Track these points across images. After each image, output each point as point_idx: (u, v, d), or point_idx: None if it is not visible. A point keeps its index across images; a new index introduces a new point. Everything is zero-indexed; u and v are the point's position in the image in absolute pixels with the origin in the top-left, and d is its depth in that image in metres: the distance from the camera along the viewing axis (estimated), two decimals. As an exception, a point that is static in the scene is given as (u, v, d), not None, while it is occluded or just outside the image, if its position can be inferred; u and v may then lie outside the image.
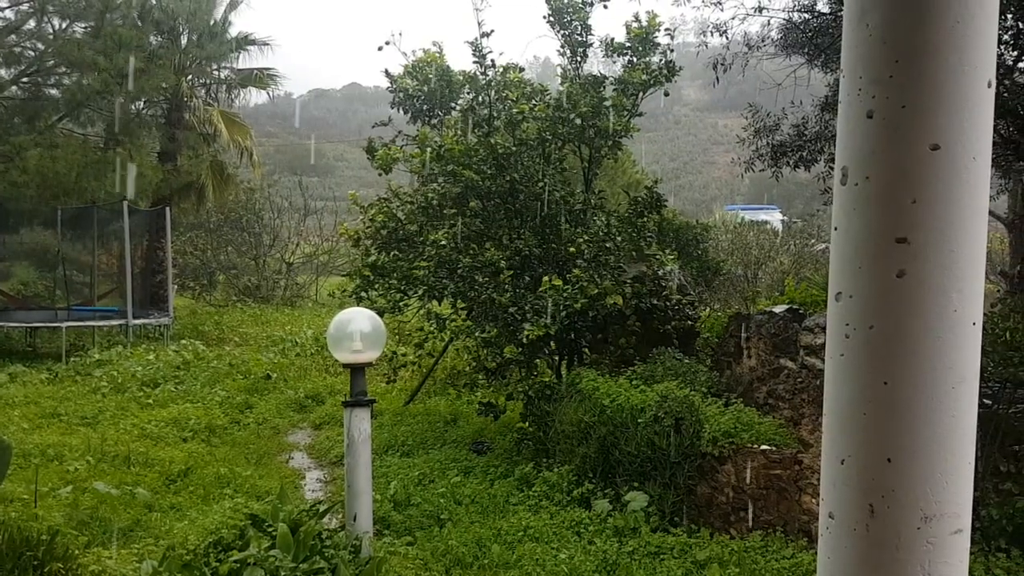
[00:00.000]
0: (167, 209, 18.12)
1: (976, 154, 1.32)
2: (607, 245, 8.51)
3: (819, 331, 6.29)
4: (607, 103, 9.21)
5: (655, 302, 8.84)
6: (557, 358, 9.34)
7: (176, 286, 20.93)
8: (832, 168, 8.63)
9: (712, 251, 18.83)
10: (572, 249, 8.43)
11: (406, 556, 5.77)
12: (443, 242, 8.54)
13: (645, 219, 9.10)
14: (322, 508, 4.17)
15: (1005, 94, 6.40)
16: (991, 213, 13.61)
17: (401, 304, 9.17)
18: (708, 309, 12.48)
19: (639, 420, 6.82)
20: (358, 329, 3.80)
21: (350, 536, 3.98)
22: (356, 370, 3.85)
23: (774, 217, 32.20)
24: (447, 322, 8.45)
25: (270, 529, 3.68)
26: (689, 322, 9.10)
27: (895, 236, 1.33)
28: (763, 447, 6.43)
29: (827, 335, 1.46)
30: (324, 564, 3.55)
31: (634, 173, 25.35)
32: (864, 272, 1.37)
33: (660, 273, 8.94)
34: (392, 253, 9.27)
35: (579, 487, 6.97)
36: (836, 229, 1.42)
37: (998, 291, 14.24)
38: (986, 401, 5.90)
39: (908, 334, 1.33)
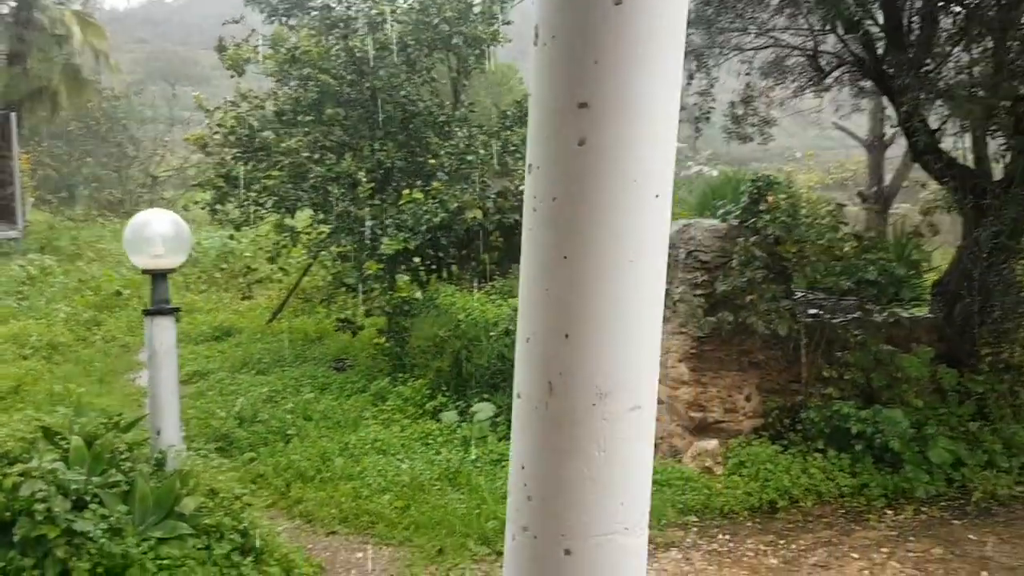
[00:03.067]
0: (13, 114, 16.63)
1: (663, 14, 1.24)
2: (468, 159, 8.35)
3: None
4: (475, 8, 8.92)
5: (518, 218, 8.78)
6: (423, 273, 9.23)
7: (33, 200, 19.48)
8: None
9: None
10: (432, 161, 8.23)
11: (237, 471, 5.68)
12: (297, 150, 8.16)
13: (511, 133, 8.95)
14: (125, 421, 3.96)
15: (855, 7, 6.53)
16: (851, 134, 14.18)
17: (255, 217, 8.79)
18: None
19: (491, 333, 6.85)
20: (159, 232, 3.55)
21: (154, 450, 3.80)
22: (158, 276, 3.61)
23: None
24: (300, 235, 8.15)
25: (63, 442, 3.47)
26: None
27: (577, 101, 1.24)
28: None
29: (523, 210, 1.38)
30: (121, 478, 3.39)
31: (522, 89, 25.00)
32: (550, 140, 1.27)
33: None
34: (251, 163, 8.81)
35: (432, 400, 6.97)
36: (531, 96, 1.32)
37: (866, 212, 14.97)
38: (812, 311, 6.20)
39: (588, 206, 1.25)
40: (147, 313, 3.66)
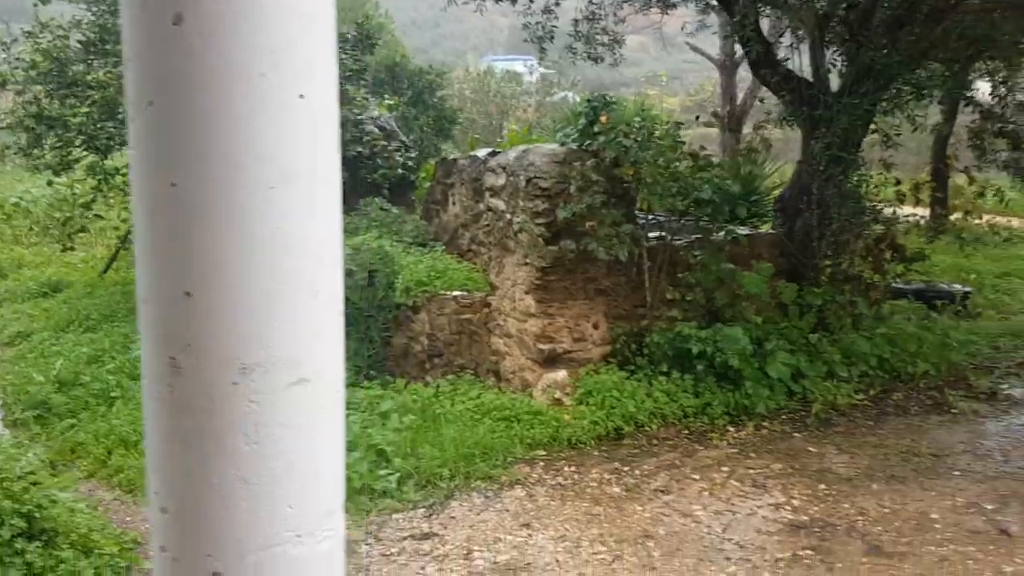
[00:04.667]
0: None
1: None
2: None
3: (500, 171, 6.11)
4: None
5: (360, 150, 8.28)
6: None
7: None
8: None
9: (456, 100, 18.34)
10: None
11: (53, 440, 5.14)
12: (106, 83, 7.30)
13: (346, 56, 8.35)
14: None
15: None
16: (703, 54, 14.20)
17: (69, 160, 7.91)
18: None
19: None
20: None
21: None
22: None
23: (531, 66, 32.05)
24: (115, 178, 7.38)
25: None
26: (401, 171, 8.68)
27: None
28: (455, 293, 6.31)
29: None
30: None
31: (376, 17, 23.81)
32: (139, 18, 0.91)
33: (362, 118, 8.34)
34: (65, 100, 7.85)
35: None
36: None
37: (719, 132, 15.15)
38: (655, 234, 6.10)
39: (196, 110, 0.90)
40: None
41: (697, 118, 14.58)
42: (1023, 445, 5.05)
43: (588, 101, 5.69)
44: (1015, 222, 13.10)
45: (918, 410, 5.62)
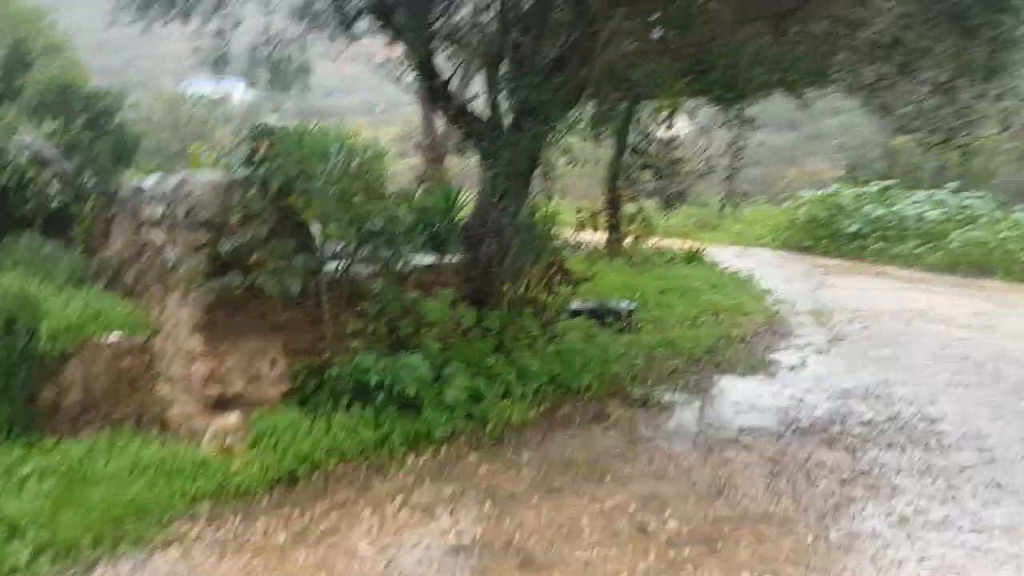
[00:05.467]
0: None
1: None
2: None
3: (159, 201, 5.68)
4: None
5: (4, 182, 7.28)
6: None
7: None
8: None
9: (144, 124, 16.94)
10: None
11: None
12: None
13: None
14: None
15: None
16: (402, 84, 14.40)
17: None
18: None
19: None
20: None
21: None
22: None
23: (239, 90, 30.57)
24: None
25: None
26: (58, 203, 7.75)
27: None
28: (112, 337, 5.72)
29: None
30: None
31: (50, 36, 21.40)
32: None
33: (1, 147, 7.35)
34: None
35: None
36: None
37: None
38: (335, 264, 5.99)
39: None
40: None
41: (417, 149, 14.78)
42: (665, 447, 5.62)
43: (250, 130, 5.46)
44: (678, 243, 14.87)
45: (581, 421, 6.04)
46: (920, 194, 17.08)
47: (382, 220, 5.52)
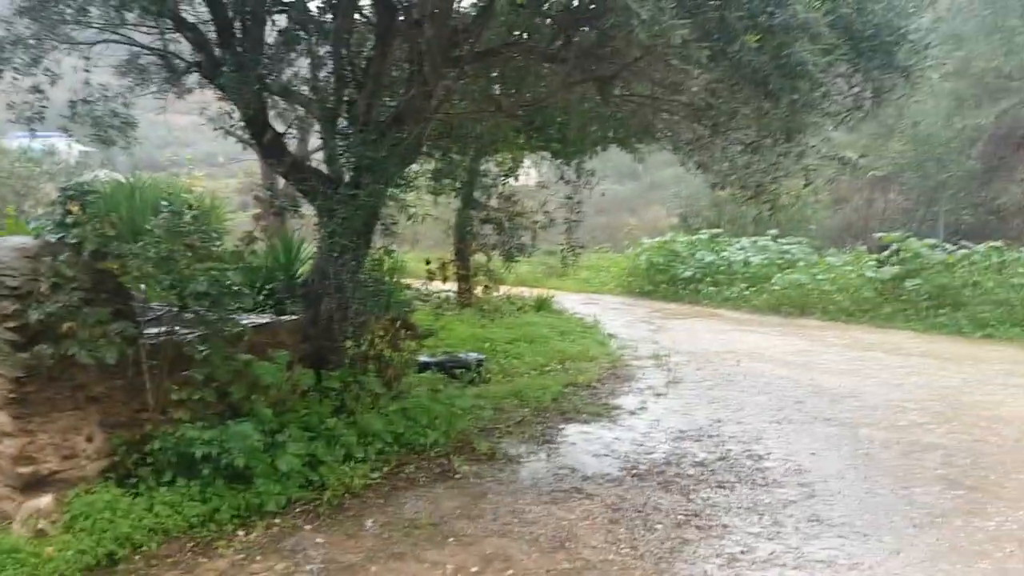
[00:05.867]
0: None
1: None
2: None
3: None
4: None
5: None
6: None
7: None
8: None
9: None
10: None
11: None
12: None
13: None
14: None
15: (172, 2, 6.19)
16: (239, 138, 14.01)
17: None
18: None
19: None
20: None
21: None
22: None
23: (64, 144, 28.68)
24: None
25: None
26: None
27: None
28: None
29: None
30: None
31: None
32: None
33: None
34: None
35: None
36: None
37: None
38: (157, 329, 5.67)
39: None
40: None
41: (257, 202, 14.26)
42: (510, 501, 5.62)
43: (63, 190, 5.11)
44: (528, 291, 15.17)
45: (426, 480, 5.96)
46: (745, 241, 18.34)
47: (207, 281, 5.27)
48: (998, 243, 14.61)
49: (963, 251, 14.38)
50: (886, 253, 14.59)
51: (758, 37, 4.70)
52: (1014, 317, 12.48)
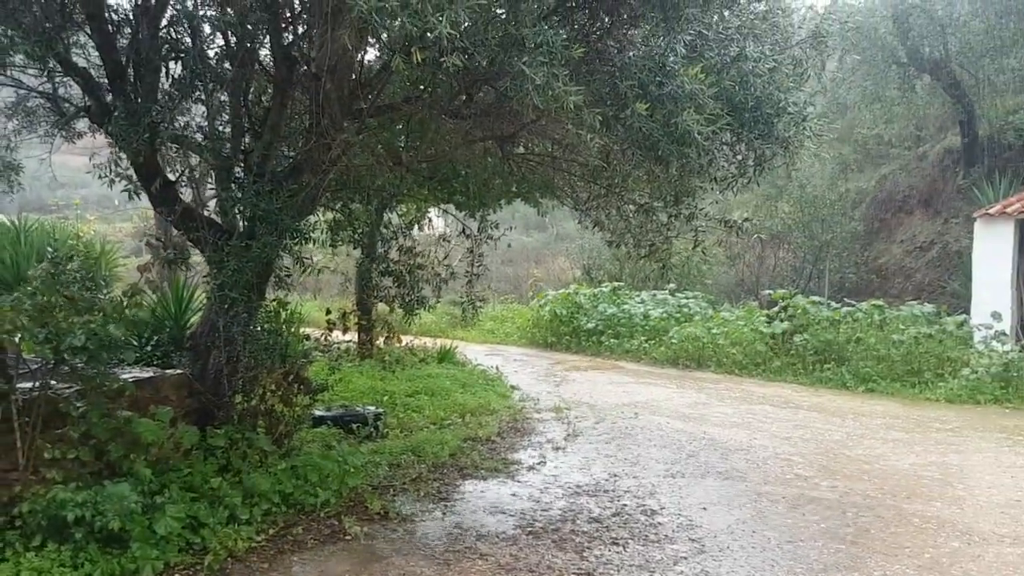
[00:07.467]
0: None
1: None
2: None
3: None
4: None
5: None
6: None
7: None
8: None
9: None
10: None
11: None
12: None
13: None
14: None
15: (63, 50, 5.99)
16: (130, 181, 13.58)
17: None
18: None
19: None
20: None
21: None
22: None
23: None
24: None
25: None
26: None
27: None
28: None
29: None
30: None
31: None
32: None
33: None
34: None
35: None
36: None
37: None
38: (26, 385, 5.35)
39: None
40: None
41: (150, 247, 13.72)
42: (402, 564, 5.49)
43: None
44: (432, 342, 15.08)
45: (315, 543, 5.76)
46: (645, 294, 18.84)
47: (83, 335, 5.03)
48: (879, 301, 15.50)
49: (847, 308, 15.17)
50: (775, 309, 15.22)
51: (648, 105, 4.90)
52: (894, 372, 13.18)
